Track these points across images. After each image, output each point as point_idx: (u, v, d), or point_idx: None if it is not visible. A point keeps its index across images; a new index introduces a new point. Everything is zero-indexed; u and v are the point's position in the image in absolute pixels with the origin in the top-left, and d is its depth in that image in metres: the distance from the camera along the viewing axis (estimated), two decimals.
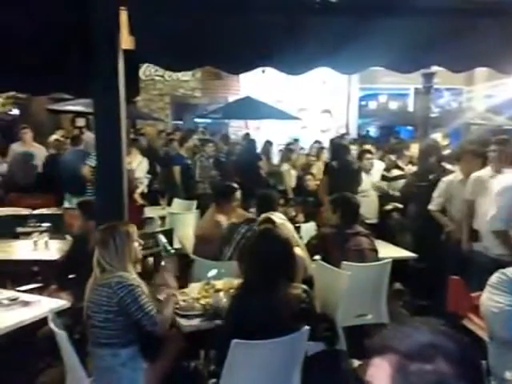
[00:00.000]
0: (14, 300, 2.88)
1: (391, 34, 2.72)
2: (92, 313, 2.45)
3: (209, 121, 13.16)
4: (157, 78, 11.75)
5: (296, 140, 10.67)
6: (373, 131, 13.32)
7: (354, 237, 3.68)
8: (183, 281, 3.46)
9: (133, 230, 2.65)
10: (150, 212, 6.32)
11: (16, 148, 6.88)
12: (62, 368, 3.03)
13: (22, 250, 4.20)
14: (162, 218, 6.15)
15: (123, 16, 2.66)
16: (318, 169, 7.14)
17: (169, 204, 6.89)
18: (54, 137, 8.37)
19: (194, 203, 6.77)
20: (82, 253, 3.48)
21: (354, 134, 12.12)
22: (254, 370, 2.38)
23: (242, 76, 10.99)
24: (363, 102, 13.82)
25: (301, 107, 12.36)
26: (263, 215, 3.39)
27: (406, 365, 0.82)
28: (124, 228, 2.62)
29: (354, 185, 5.42)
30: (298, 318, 2.41)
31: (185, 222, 5.78)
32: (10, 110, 10.13)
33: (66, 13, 2.88)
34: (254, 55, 2.72)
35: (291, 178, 7.65)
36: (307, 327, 2.39)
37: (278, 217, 3.36)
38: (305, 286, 2.56)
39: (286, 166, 7.86)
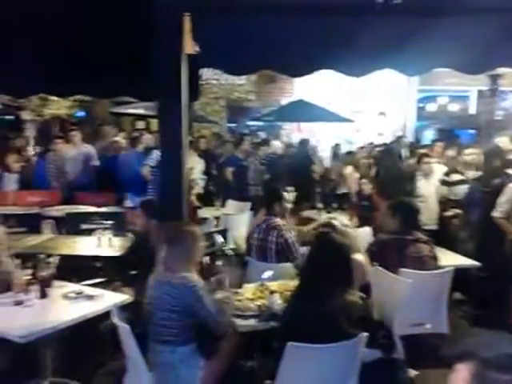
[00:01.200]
0: (79, 293, 3.02)
1: (458, 33, 2.63)
2: (154, 310, 2.52)
3: (262, 123, 13.26)
4: (213, 81, 11.97)
5: (350, 142, 10.53)
6: (431, 134, 12.87)
7: (413, 243, 3.56)
8: (238, 281, 3.50)
9: (199, 231, 2.70)
10: (204, 212, 6.44)
11: (66, 149, 7.12)
12: (122, 361, 3.16)
13: (86, 245, 4.40)
14: (217, 219, 6.25)
15: (186, 21, 2.73)
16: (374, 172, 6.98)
17: (223, 205, 7.00)
18: (115, 138, 8.73)
19: (248, 205, 6.83)
20: (143, 250, 3.61)
21: (411, 137, 11.77)
22: (310, 374, 2.36)
23: (295, 79, 10.98)
24: (421, 104, 13.41)
25: (356, 109, 12.16)
26: (323, 218, 3.36)
27: (484, 372, 0.83)
28: (192, 229, 2.67)
29: (406, 189, 5.25)
30: (355, 324, 2.37)
31: (239, 223, 5.85)
32: (76, 113, 10.69)
33: (131, 18, 3.01)
34: (316, 57, 2.71)
35: (354, 181, 7.45)
36: (364, 334, 2.35)
37: (340, 221, 3.32)
38: (361, 293, 2.52)
39: (348, 169, 7.67)
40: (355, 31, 2.73)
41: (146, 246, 3.64)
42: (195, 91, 3.33)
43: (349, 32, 2.73)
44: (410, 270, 3.39)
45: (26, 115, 10.45)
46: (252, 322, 2.78)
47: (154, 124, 13.66)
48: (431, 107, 13.57)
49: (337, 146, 9.73)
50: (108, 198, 6.16)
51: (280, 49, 2.69)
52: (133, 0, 2.85)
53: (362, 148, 9.76)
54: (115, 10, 2.96)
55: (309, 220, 4.88)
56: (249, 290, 3.18)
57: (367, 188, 6.09)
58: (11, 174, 7.00)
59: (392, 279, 3.38)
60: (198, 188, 7.15)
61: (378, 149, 8.75)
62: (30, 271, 3.01)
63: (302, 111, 10.28)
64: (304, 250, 3.48)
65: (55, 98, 9.32)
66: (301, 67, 2.81)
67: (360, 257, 3.08)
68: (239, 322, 2.77)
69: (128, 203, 6.16)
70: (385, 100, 12.41)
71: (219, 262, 3.46)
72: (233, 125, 14.15)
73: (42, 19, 3.07)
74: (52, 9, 3.05)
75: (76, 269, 3.98)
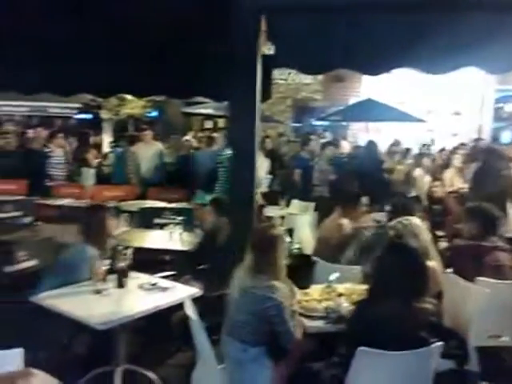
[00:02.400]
0: (153, 285, 3.15)
1: None
2: (234, 308, 2.57)
3: (327, 123, 13.11)
4: (280, 81, 12.00)
5: (426, 145, 10.13)
6: (509, 136, 12.08)
7: (491, 251, 3.37)
8: (304, 281, 3.49)
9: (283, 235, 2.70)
10: (269, 211, 6.48)
11: (140, 147, 7.44)
12: (190, 353, 3.27)
13: (157, 239, 4.59)
14: (281, 218, 6.28)
15: (262, 22, 2.76)
16: (450, 175, 6.66)
17: (287, 205, 7.01)
18: (185, 137, 9.05)
19: (312, 205, 6.80)
20: (212, 246, 3.71)
21: (487, 138, 11.12)
22: (379, 380, 2.31)
23: (364, 78, 10.75)
24: (499, 105, 12.61)
25: (428, 109, 11.67)
26: (396, 221, 3.27)
27: None
28: (279, 233, 2.67)
29: (503, 194, 4.93)
30: (426, 332, 2.29)
31: (303, 223, 5.83)
32: (149, 113, 11.17)
33: (206, 20, 3.08)
34: (395, 55, 2.64)
35: (424, 184, 7.17)
36: (439, 343, 2.26)
37: (413, 223, 3.21)
38: (434, 300, 2.42)
39: (418, 171, 7.39)
40: (436, 28, 2.63)
41: (214, 243, 3.74)
42: (267, 91, 3.36)
43: (430, 29, 2.64)
44: (488, 279, 3.20)
45: (104, 114, 11.08)
46: (319, 323, 2.77)
47: (222, 123, 14.00)
48: (510, 107, 12.73)
49: (407, 150, 9.37)
50: (178, 194, 6.40)
51: (358, 47, 2.65)
52: (210, 1, 2.92)
53: (442, 150, 9.32)
54: (193, 11, 3.04)
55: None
56: (316, 290, 3.17)
57: (439, 191, 5.84)
58: (90, 169, 7.47)
59: (467, 288, 3.22)
60: (263, 187, 7.22)
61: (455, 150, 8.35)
62: (108, 261, 3.19)
63: (371, 111, 10.03)
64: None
65: (131, 98, 9.81)
66: (379, 65, 2.74)
67: (433, 263, 2.96)
68: (307, 322, 2.76)
69: (197, 200, 6.35)
70: (459, 100, 11.81)
71: (287, 262, 3.47)
72: (298, 124, 14.10)
73: (124, 21, 3.22)
74: (134, 10, 3.19)
75: (147, 261, 4.16)
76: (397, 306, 2.28)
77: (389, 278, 2.35)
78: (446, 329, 2.61)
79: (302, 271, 3.74)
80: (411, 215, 3.43)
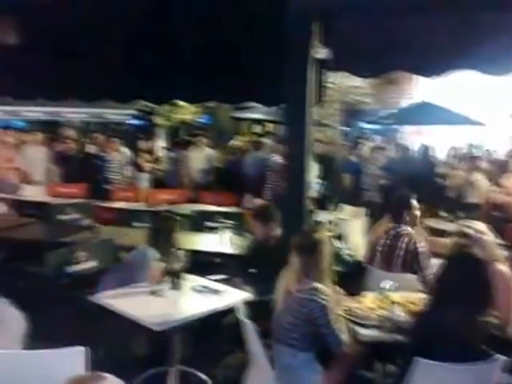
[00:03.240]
0: (206, 287, 3.21)
1: None
2: (281, 312, 2.58)
3: (377, 127, 12.84)
4: (329, 84, 11.88)
5: (476, 147, 9.69)
6: None
7: None
8: (356, 288, 3.43)
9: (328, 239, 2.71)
10: (318, 216, 6.42)
11: (191, 152, 7.60)
12: (241, 355, 3.29)
13: (208, 242, 4.66)
14: (330, 223, 6.21)
15: (316, 26, 2.76)
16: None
17: (336, 209, 6.93)
18: (233, 142, 9.16)
19: (363, 210, 6.68)
20: (263, 251, 3.71)
21: None
22: None
23: (416, 80, 10.44)
24: None
25: (484, 111, 11.18)
26: (457, 228, 3.15)
27: None
28: (325, 237, 2.67)
29: None
30: (488, 345, 2.19)
31: (353, 229, 5.74)
32: (200, 118, 11.42)
33: (260, 25, 3.11)
34: (455, 56, 2.55)
35: (483, 189, 6.83)
36: (502, 357, 2.15)
37: (476, 229, 3.07)
38: (498, 313, 2.32)
39: (476, 176, 7.05)
40: (496, 28, 2.52)
41: (265, 248, 3.74)
42: (319, 95, 3.34)
43: (489, 29, 2.53)
44: None
45: (157, 120, 11.43)
46: (373, 332, 2.71)
47: (270, 128, 14.06)
48: None
49: (464, 154, 8.99)
50: (228, 198, 6.49)
51: (416, 48, 2.58)
52: (262, 5, 2.94)
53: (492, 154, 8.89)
54: (245, 17, 3.08)
55: (435, 230, 4.61)
56: (369, 298, 3.10)
57: (500, 197, 5.57)
58: (143, 173, 7.73)
59: None
60: (312, 191, 7.16)
61: None
62: (162, 264, 3.28)
63: (427, 114, 9.73)
64: (435, 262, 3.28)
65: (183, 104, 10.06)
66: (438, 66, 2.67)
67: (502, 266, 2.82)
68: (359, 330, 2.71)
69: (247, 204, 6.41)
70: None
71: (338, 268, 3.43)
72: (346, 128, 13.91)
73: (180, 33, 3.31)
74: (187, 18, 3.28)
75: (198, 263, 4.24)
76: (459, 317, 2.20)
77: (452, 288, 2.27)
78: (509, 341, 2.48)
79: (353, 278, 3.69)
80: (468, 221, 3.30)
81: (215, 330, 3.47)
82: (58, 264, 3.52)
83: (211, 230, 4.99)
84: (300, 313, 2.47)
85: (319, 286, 2.51)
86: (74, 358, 2.00)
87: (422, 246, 3.55)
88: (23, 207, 5.61)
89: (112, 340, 3.42)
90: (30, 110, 11.99)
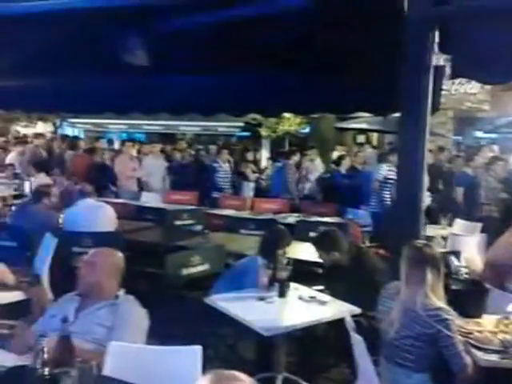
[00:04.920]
0: (313, 297, 3.21)
1: None
2: (395, 332, 2.48)
3: (494, 136, 11.85)
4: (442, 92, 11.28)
5: None
6: None
7: None
8: (475, 309, 3.19)
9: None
10: (430, 231, 6.09)
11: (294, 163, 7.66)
12: (345, 370, 3.24)
13: (311, 252, 4.65)
14: (443, 239, 5.84)
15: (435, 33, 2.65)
16: None
17: (450, 224, 6.51)
18: (336, 153, 9.09)
19: (479, 226, 6.19)
20: (361, 267, 3.58)
21: None
22: None
23: None
24: None
25: None
26: None
27: None
28: (438, 253, 2.57)
29: None
30: None
31: (469, 245, 5.33)
32: (304, 128, 11.52)
33: (373, 33, 3.04)
34: None
35: None
36: None
37: None
38: None
39: None
40: None
41: (364, 263, 3.58)
42: (436, 103, 3.19)
43: None
44: None
45: (263, 131, 11.78)
46: (494, 357, 2.50)
47: (375, 138, 13.68)
48: None
49: None
50: (331, 208, 6.44)
51: None
52: (377, 12, 2.88)
53: None
54: (358, 25, 3.04)
55: None
56: (490, 321, 2.87)
57: None
58: (249, 182, 8.00)
59: None
60: (424, 205, 6.81)
61: None
62: (270, 271, 3.35)
63: None
64: None
65: (289, 116, 10.25)
66: None
67: None
68: (479, 355, 2.52)
69: (349, 216, 6.31)
70: None
71: (455, 287, 3.22)
72: (458, 137, 13.03)
73: (293, 46, 3.38)
74: (299, 34, 3.33)
75: (302, 272, 4.25)
76: None
77: None
78: None
79: (471, 298, 3.44)
80: None
81: (321, 340, 3.46)
82: (175, 266, 3.77)
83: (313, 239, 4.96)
84: (424, 333, 2.38)
85: (441, 304, 2.40)
86: (190, 357, 2.11)
87: None
88: (143, 212, 6.12)
89: (221, 341, 3.57)
90: (149, 124, 13.23)
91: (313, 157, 8.17)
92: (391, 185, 6.17)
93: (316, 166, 7.97)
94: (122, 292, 2.54)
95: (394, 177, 5.80)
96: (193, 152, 8.72)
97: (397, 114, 3.39)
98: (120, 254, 2.67)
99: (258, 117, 10.46)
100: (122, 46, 3.74)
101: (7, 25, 3.46)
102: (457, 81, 10.42)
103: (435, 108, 3.35)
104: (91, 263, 2.50)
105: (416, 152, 2.82)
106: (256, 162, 9.25)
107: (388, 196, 6.26)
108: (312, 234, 5.17)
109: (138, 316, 2.44)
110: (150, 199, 7.26)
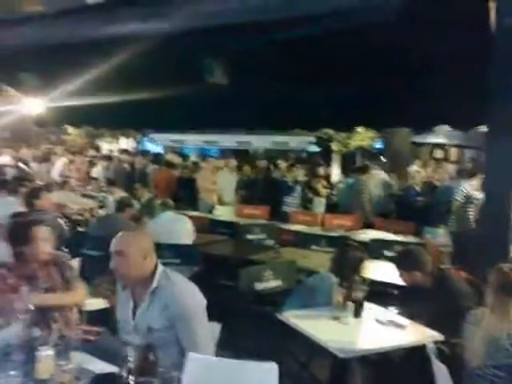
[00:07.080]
0: (391, 321, 3.06)
1: None
2: (480, 361, 2.33)
3: None
4: None
5: None
6: None
7: None
8: None
9: None
10: None
11: (368, 179, 7.44)
12: None
13: (386, 272, 4.46)
14: None
15: None
16: None
17: None
18: (414, 168, 8.73)
19: None
20: (442, 289, 3.34)
21: None
22: None
23: None
24: None
25: None
26: None
27: None
28: None
29: None
30: None
31: None
32: (377, 143, 11.20)
33: (459, 42, 2.89)
34: None
35: None
36: None
37: None
38: None
39: None
40: None
41: (448, 286, 3.34)
42: None
43: None
44: None
45: (334, 146, 11.63)
46: None
47: (454, 153, 12.96)
48: None
49: None
50: (406, 226, 6.14)
51: None
52: (466, 21, 2.74)
53: None
54: (444, 34, 2.91)
55: None
56: None
57: None
58: (320, 198, 7.90)
59: None
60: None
61: None
62: (344, 290, 3.26)
63: None
64: None
65: (361, 130, 10.03)
66: None
67: None
68: None
69: (428, 234, 6.00)
70: None
71: None
72: None
73: (371, 61, 3.32)
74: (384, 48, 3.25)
75: (375, 293, 4.08)
76: None
77: None
78: None
79: None
80: None
81: (397, 366, 3.28)
82: (249, 280, 3.79)
83: (390, 259, 4.77)
84: (507, 364, 2.21)
85: None
86: (267, 373, 2.07)
87: None
88: (216, 226, 6.25)
89: (293, 358, 3.51)
90: (223, 140, 13.80)
91: (386, 172, 7.92)
92: (473, 204, 5.80)
93: (390, 182, 7.71)
94: (159, 269, 2.29)
95: (478, 195, 5.48)
96: (264, 166, 8.81)
97: (480, 128, 3.21)
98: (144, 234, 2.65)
99: (329, 131, 10.35)
100: (201, 66, 3.89)
101: (101, 47, 3.73)
102: None
103: None
104: (119, 252, 2.23)
105: (506, 169, 2.63)
106: (327, 177, 9.11)
107: (471, 215, 5.87)
108: (387, 253, 4.98)
109: (186, 296, 2.25)
110: (222, 212, 7.42)
